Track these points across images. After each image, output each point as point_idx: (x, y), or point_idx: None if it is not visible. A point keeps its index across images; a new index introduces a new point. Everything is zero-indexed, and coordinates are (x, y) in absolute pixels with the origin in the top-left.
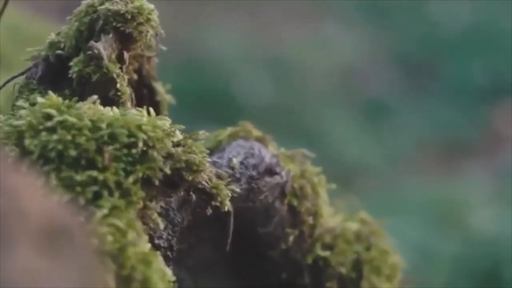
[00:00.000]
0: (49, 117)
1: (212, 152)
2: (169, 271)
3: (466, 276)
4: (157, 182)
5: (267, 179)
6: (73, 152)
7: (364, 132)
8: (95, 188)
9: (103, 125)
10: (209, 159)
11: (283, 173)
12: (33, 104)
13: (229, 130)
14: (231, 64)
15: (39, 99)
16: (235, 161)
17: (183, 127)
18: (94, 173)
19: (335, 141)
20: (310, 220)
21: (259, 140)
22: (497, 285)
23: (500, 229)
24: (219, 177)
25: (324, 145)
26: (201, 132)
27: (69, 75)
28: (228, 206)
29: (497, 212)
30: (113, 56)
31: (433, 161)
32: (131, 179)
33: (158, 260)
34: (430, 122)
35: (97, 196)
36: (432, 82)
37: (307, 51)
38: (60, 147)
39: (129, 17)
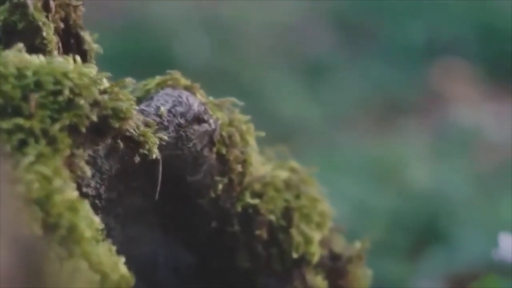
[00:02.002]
0: None
1: (140, 101)
2: (97, 219)
3: (402, 229)
4: (84, 130)
5: (195, 127)
6: None
7: (303, 91)
8: (21, 135)
9: (29, 73)
10: (137, 107)
11: (211, 121)
12: None
13: (158, 79)
14: (171, 25)
15: None
16: (163, 109)
17: (109, 74)
18: (20, 120)
19: (274, 101)
20: (239, 168)
21: (187, 88)
22: (433, 238)
23: (435, 185)
24: (146, 125)
25: (263, 104)
26: (127, 79)
27: None
28: (156, 154)
29: (433, 168)
30: (39, 5)
31: (372, 120)
32: (57, 126)
33: (86, 208)
34: (368, 81)
35: (23, 143)
36: (370, 42)
37: (247, 11)
38: None
39: None
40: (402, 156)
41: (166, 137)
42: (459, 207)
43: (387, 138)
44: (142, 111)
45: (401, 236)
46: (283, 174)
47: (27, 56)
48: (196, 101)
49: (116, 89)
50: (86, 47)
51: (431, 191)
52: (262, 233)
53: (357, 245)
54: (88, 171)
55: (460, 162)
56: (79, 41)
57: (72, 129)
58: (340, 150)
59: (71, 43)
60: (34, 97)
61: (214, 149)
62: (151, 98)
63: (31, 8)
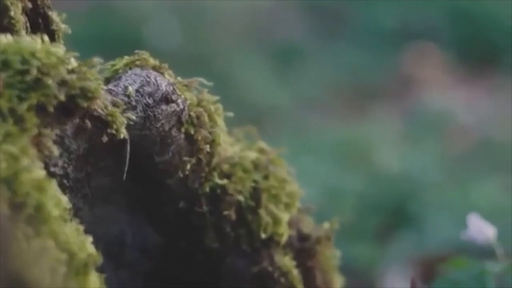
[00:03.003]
0: None
1: (108, 81)
2: (64, 199)
3: (372, 212)
4: (51, 109)
5: (163, 107)
6: None
7: (274, 75)
8: None
9: None
10: (105, 87)
11: (179, 101)
12: None
13: (126, 59)
14: (141, 9)
15: None
16: (131, 89)
17: (77, 54)
18: None
19: (246, 85)
20: (207, 148)
21: (156, 68)
22: (402, 221)
23: (405, 168)
24: (114, 104)
25: (235, 88)
26: (95, 59)
27: None
28: (124, 134)
29: (403, 151)
30: None
31: (342, 104)
32: (25, 105)
33: (53, 187)
34: (339, 66)
35: None
36: (342, 27)
37: None
38: None
39: None
40: (372, 140)
41: (134, 117)
42: (429, 190)
43: (358, 121)
44: (110, 91)
45: (371, 219)
46: (252, 155)
47: None
48: (164, 81)
49: (84, 68)
50: (54, 27)
51: (401, 174)
52: (230, 213)
53: (326, 225)
54: (56, 151)
55: (431, 146)
56: (47, 21)
57: (40, 109)
58: (310, 133)
59: (39, 23)
60: (2, 77)
61: (182, 129)
62: (119, 78)
63: None
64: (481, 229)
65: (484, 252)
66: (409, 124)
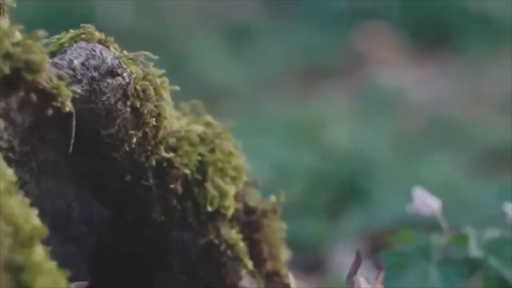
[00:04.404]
0: None
1: (54, 54)
2: (10, 171)
3: (322, 187)
4: None
5: (109, 80)
6: None
7: (227, 54)
8: None
9: None
10: (50, 60)
11: (125, 74)
12: None
13: (71, 32)
14: None
15: None
16: (76, 62)
17: (21, 27)
18: None
19: (199, 65)
20: (153, 122)
21: (101, 42)
22: (352, 197)
23: (356, 145)
24: (59, 78)
25: (188, 68)
26: (40, 32)
27: None
28: (69, 107)
29: (355, 129)
30: None
31: (295, 83)
32: None
33: None
34: (292, 45)
35: None
36: (295, 6)
37: None
38: None
39: None
40: (324, 118)
41: (79, 90)
42: (379, 167)
43: (310, 100)
44: (55, 64)
45: (321, 195)
46: (198, 129)
47: None
48: (110, 54)
49: (29, 41)
50: None
51: (351, 151)
52: (177, 186)
53: (272, 199)
54: (1, 124)
55: (382, 123)
56: None
57: None
58: (263, 112)
59: None
60: None
61: (128, 103)
62: (65, 52)
63: None
64: (425, 202)
65: (431, 226)
66: (361, 102)
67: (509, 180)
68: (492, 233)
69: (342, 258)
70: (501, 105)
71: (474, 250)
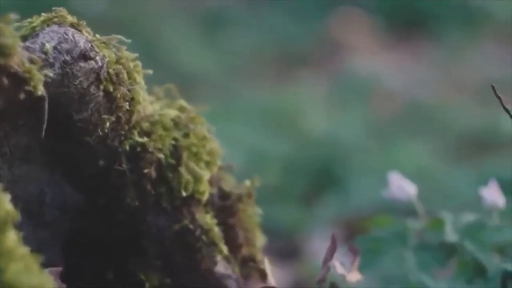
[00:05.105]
0: None
1: (26, 38)
2: None
3: (297, 174)
4: None
5: (82, 64)
6: None
7: (201, 42)
8: None
9: None
10: (22, 44)
11: (98, 58)
12: None
13: (43, 16)
14: None
15: None
16: (48, 46)
17: None
18: None
19: (172, 52)
20: (126, 106)
21: (74, 25)
22: (328, 184)
23: (331, 132)
24: (32, 61)
25: (160, 55)
26: (11, 15)
27: None
28: (41, 91)
29: (330, 116)
30: None
31: (270, 70)
32: None
33: None
34: (267, 32)
35: None
36: None
37: None
38: None
39: None
40: (299, 104)
41: (51, 74)
42: (355, 153)
43: (285, 86)
44: (27, 48)
45: (297, 182)
46: (172, 113)
47: None
48: (82, 38)
49: (0, 25)
50: None
51: (327, 138)
52: (151, 171)
53: (247, 183)
54: None
55: (357, 110)
56: None
57: None
58: (236, 98)
59: None
60: None
61: (101, 87)
62: (36, 35)
63: None
64: (402, 186)
65: (407, 212)
66: (336, 89)
67: (484, 166)
68: (468, 217)
69: (317, 245)
70: (476, 91)
71: (450, 235)
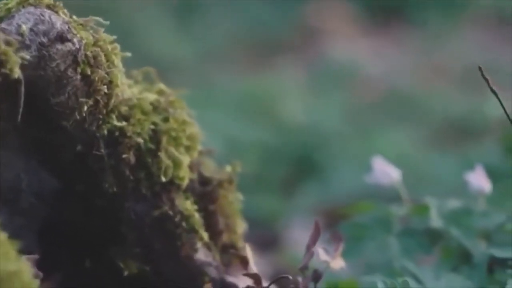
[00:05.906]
0: None
1: (1, 20)
2: None
3: (277, 162)
4: None
5: (59, 46)
6: None
7: (176, 28)
8: None
9: None
10: None
11: (75, 40)
12: None
13: None
14: None
15: None
16: (25, 27)
17: None
18: None
19: (148, 38)
20: (104, 89)
21: (50, 7)
22: (307, 170)
23: (310, 119)
24: (7, 43)
25: (137, 42)
26: None
27: None
28: (18, 73)
29: (309, 103)
30: None
31: (247, 57)
32: None
33: None
34: (244, 18)
35: None
36: None
37: None
38: None
39: None
40: (277, 91)
41: (28, 57)
42: (335, 140)
43: (263, 73)
44: (2, 30)
45: (276, 170)
46: (151, 97)
47: None
48: (59, 19)
49: None
50: None
51: (306, 125)
52: (129, 156)
53: (228, 169)
54: None
55: (337, 97)
56: None
57: None
58: (213, 86)
59: None
60: None
61: (79, 70)
62: (12, 17)
63: None
64: (385, 171)
65: (389, 199)
66: (315, 76)
67: (467, 153)
68: (453, 203)
69: (297, 234)
70: (457, 78)
71: (435, 221)
